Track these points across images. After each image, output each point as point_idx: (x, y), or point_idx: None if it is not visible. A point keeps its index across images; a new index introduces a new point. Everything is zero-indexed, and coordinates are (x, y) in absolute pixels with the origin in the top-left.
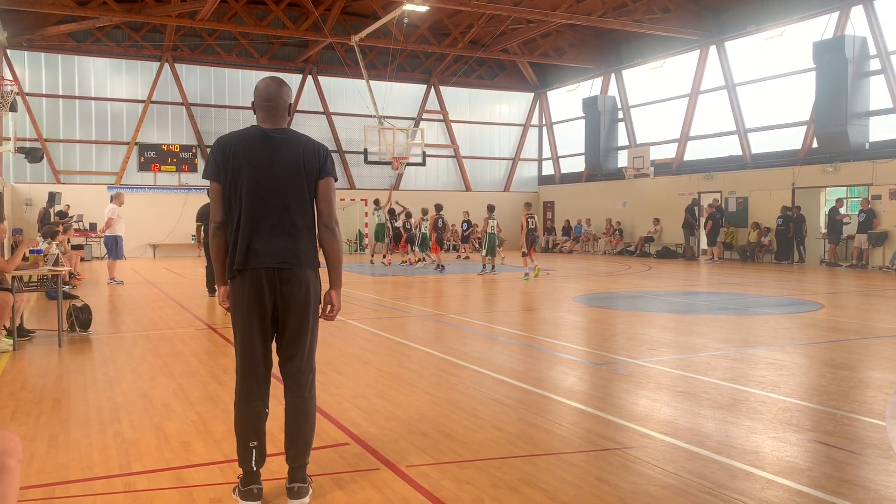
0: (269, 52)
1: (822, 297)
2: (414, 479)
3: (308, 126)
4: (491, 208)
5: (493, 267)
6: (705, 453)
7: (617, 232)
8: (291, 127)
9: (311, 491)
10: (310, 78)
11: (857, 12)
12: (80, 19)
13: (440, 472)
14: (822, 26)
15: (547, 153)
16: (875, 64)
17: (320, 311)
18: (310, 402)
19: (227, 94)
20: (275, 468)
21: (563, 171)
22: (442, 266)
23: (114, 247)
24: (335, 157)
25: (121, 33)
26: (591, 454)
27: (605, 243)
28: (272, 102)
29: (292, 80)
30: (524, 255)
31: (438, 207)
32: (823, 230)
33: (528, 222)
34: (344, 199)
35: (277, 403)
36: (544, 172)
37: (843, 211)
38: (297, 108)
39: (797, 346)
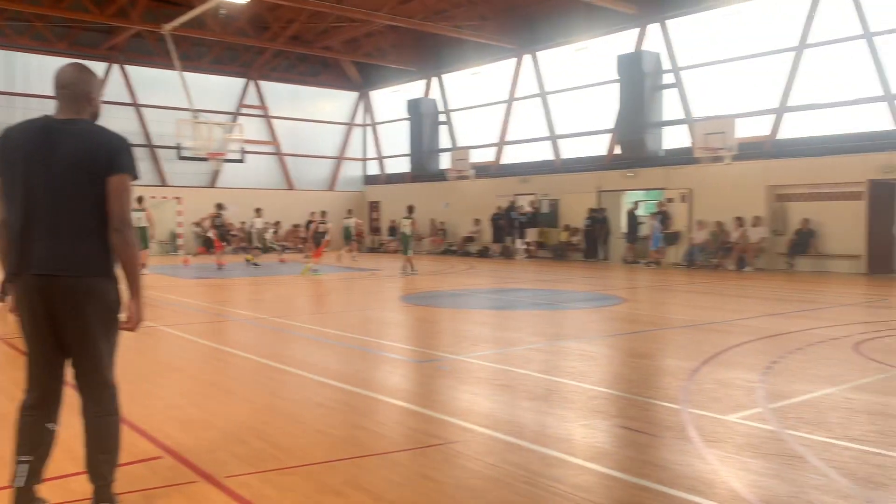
0: (68, 36)
1: (624, 292)
2: (234, 489)
3: (115, 119)
4: (410, 209)
5: (411, 268)
6: (523, 443)
7: (440, 232)
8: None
9: None
10: (116, 67)
11: (654, 30)
12: None
13: (262, 481)
14: (624, 41)
15: (372, 153)
16: (669, 78)
17: (120, 320)
18: (107, 419)
19: (18, 80)
20: (77, 488)
21: (389, 171)
22: (220, 265)
23: None
24: (144, 151)
25: None
26: (416, 451)
27: (429, 243)
28: (66, 90)
29: (96, 68)
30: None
31: (220, 206)
32: (624, 230)
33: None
34: (156, 197)
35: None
36: (369, 172)
37: (639, 213)
38: (102, 100)
39: (603, 337)
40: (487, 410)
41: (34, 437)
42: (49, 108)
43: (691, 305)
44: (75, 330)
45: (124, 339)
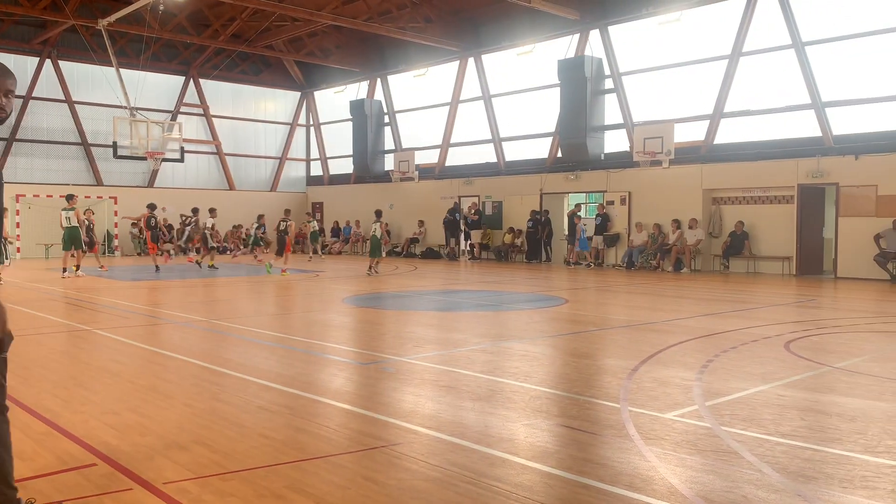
0: None
1: (566, 293)
2: (172, 496)
3: (47, 115)
4: (379, 213)
5: (376, 268)
6: (466, 444)
7: (385, 233)
8: (26, 116)
9: None
10: (48, 62)
11: (595, 35)
12: None
13: (201, 487)
14: (565, 46)
15: (315, 153)
16: (609, 83)
17: None
18: None
19: None
20: None
21: (332, 172)
22: (157, 267)
23: None
24: (78, 150)
25: None
26: (359, 454)
27: None
28: None
29: (27, 63)
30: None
31: (151, 206)
32: (566, 232)
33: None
34: (90, 197)
35: None
36: (313, 173)
37: (581, 215)
38: (33, 96)
39: (545, 338)
40: (431, 412)
41: None
42: None
43: (631, 306)
44: None
45: (56, 343)
